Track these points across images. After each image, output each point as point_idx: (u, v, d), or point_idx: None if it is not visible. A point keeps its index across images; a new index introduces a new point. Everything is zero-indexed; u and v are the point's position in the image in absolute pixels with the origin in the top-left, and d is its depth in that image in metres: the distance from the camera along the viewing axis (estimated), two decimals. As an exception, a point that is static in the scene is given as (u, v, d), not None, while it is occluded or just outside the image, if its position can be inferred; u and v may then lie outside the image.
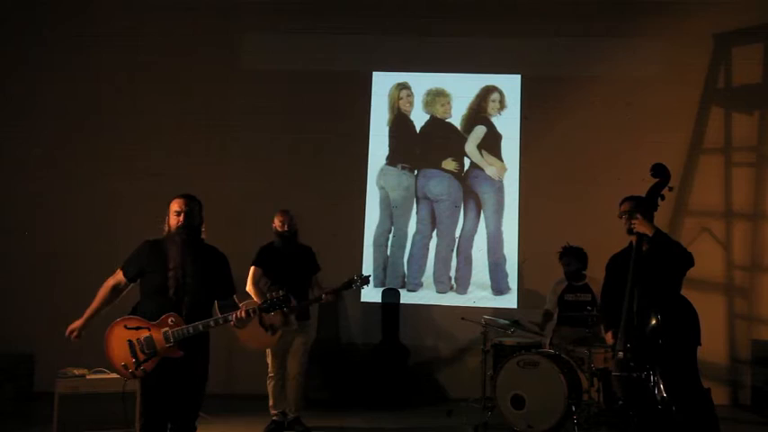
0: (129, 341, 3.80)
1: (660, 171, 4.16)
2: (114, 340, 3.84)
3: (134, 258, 3.94)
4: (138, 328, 3.81)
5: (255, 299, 5.48)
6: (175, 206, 3.93)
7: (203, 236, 4.01)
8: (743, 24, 7.32)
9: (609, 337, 4.45)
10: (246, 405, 6.35)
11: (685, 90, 7.37)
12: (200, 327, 3.81)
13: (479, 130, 7.59)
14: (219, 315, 3.90)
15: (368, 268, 7.46)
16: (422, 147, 7.65)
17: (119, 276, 3.97)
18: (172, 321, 3.80)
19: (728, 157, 7.38)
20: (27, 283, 7.13)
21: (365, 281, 5.61)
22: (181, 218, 3.88)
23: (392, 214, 7.60)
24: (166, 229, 3.95)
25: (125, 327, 3.84)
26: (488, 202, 7.54)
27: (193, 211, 3.95)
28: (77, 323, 3.96)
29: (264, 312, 4.02)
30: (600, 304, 4.75)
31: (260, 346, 5.66)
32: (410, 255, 7.53)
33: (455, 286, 7.44)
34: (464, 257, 7.49)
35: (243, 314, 3.86)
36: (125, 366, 3.81)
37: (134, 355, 3.78)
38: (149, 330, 3.79)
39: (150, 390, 3.83)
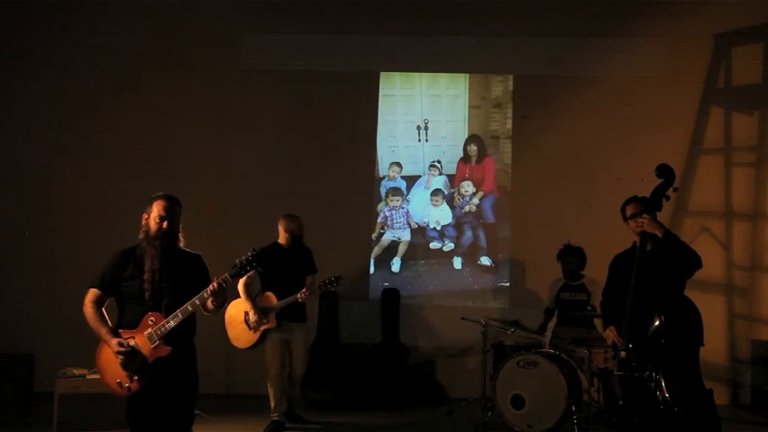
0: (116, 356, 3.62)
1: (665, 171, 4.14)
2: (104, 362, 3.70)
3: (108, 271, 3.72)
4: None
5: (242, 297, 5.67)
6: (160, 210, 3.72)
7: (182, 242, 3.80)
8: (743, 24, 7.31)
9: (610, 333, 4.39)
10: (246, 405, 6.36)
11: (685, 90, 7.37)
12: (180, 314, 3.62)
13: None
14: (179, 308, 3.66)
15: (370, 269, 7.50)
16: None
17: (94, 293, 3.72)
18: (152, 321, 3.64)
19: (728, 157, 7.38)
20: (27, 283, 7.13)
21: (337, 281, 5.68)
22: (164, 224, 3.69)
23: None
24: (144, 230, 3.75)
25: None
26: (487, 201, 7.55)
27: (176, 216, 3.76)
28: (114, 347, 3.61)
29: (235, 277, 3.75)
30: (601, 301, 4.73)
31: (245, 345, 5.75)
32: (410, 255, 7.56)
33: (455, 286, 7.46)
34: (464, 257, 7.52)
35: (215, 286, 3.61)
36: (119, 384, 3.63)
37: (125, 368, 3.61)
38: (134, 339, 3.62)
39: (137, 400, 3.66)
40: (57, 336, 6.85)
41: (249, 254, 3.70)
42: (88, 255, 6.75)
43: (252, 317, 5.64)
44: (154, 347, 3.62)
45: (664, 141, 7.11)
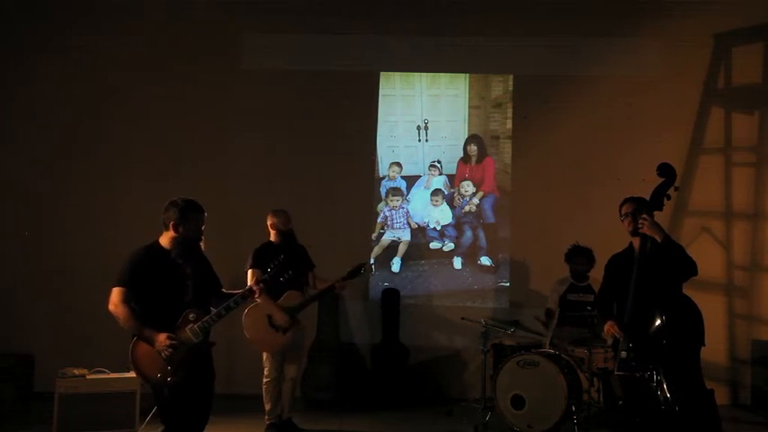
0: (160, 351, 3.75)
1: (666, 170, 4.14)
2: (142, 357, 3.77)
3: (137, 269, 3.81)
4: None
5: (262, 300, 5.44)
6: (203, 224, 3.99)
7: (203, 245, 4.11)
8: (743, 24, 7.31)
9: (610, 327, 4.31)
10: (246, 405, 6.34)
11: (685, 90, 7.37)
12: (223, 311, 3.90)
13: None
14: (221, 305, 3.97)
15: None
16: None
17: (123, 292, 3.78)
18: (193, 317, 3.84)
19: (728, 157, 7.38)
20: (27, 283, 7.12)
21: (361, 268, 5.74)
22: (202, 237, 4.01)
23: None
24: (180, 236, 3.88)
25: None
26: (487, 201, 7.55)
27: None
28: (163, 342, 3.75)
29: (272, 278, 4.19)
30: (597, 299, 4.72)
31: (271, 348, 5.57)
32: (410, 255, 7.56)
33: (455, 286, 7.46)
34: (464, 257, 7.52)
35: (257, 288, 4.05)
36: (161, 377, 3.77)
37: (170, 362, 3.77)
38: (176, 334, 3.79)
39: (178, 392, 3.81)
40: (57, 336, 6.85)
41: (279, 259, 4.18)
42: (88, 255, 6.82)
43: (279, 320, 5.46)
44: (198, 342, 3.84)
45: (664, 141, 7.11)
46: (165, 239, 3.92)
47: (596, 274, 5.88)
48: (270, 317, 5.50)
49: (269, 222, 5.78)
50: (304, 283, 5.76)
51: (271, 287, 5.49)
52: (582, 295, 6.22)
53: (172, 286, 3.84)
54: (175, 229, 3.88)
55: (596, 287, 6.07)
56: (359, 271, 5.71)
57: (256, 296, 4.03)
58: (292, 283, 5.49)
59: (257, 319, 5.48)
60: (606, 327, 4.30)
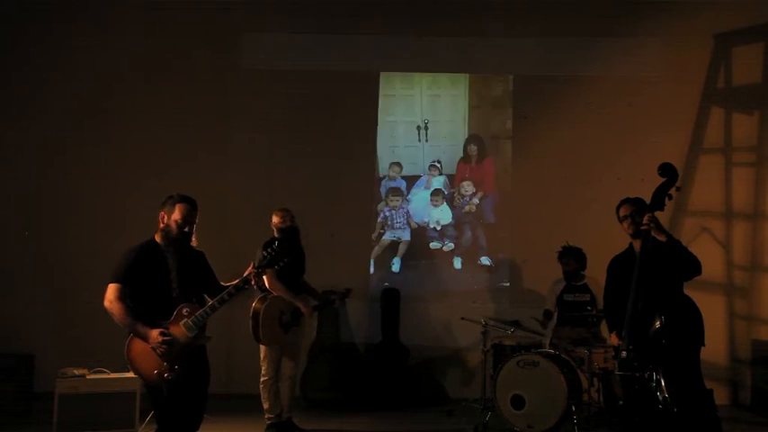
0: (154, 348, 3.72)
1: (668, 170, 4.13)
2: (138, 355, 3.75)
3: (130, 266, 3.80)
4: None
5: (284, 294, 5.51)
6: (184, 214, 3.87)
7: (195, 242, 4.02)
8: (743, 24, 7.32)
9: (614, 339, 4.37)
10: (246, 405, 6.34)
11: (685, 90, 7.37)
12: (217, 304, 3.86)
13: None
14: (215, 298, 3.92)
15: (370, 269, 7.51)
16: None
17: (118, 289, 3.76)
18: (187, 311, 3.80)
19: (728, 157, 7.38)
20: (27, 283, 7.12)
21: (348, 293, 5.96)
22: (186, 229, 3.88)
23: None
24: (164, 230, 3.87)
25: None
26: (487, 201, 7.55)
27: (195, 220, 3.95)
28: (156, 338, 3.70)
29: (266, 267, 4.09)
30: (604, 306, 4.72)
31: (275, 344, 5.56)
32: (410, 255, 7.55)
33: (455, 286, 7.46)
34: (464, 257, 7.51)
35: (254, 278, 3.98)
36: (158, 374, 3.73)
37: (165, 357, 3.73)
38: (168, 329, 3.76)
39: (171, 389, 3.77)
40: (57, 336, 6.85)
41: (274, 246, 4.05)
42: (88, 255, 6.81)
43: (288, 317, 5.51)
44: (193, 336, 3.80)
45: (664, 141, 7.12)
46: (159, 235, 3.92)
47: (596, 274, 5.89)
48: (282, 313, 5.50)
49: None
50: (292, 285, 5.69)
51: (288, 283, 5.53)
52: (578, 295, 6.21)
53: (159, 281, 3.81)
54: (164, 222, 3.89)
55: (594, 287, 6.10)
56: (343, 296, 5.96)
57: (253, 283, 3.97)
58: (289, 279, 5.50)
59: (267, 311, 5.45)
60: (612, 339, 4.39)
